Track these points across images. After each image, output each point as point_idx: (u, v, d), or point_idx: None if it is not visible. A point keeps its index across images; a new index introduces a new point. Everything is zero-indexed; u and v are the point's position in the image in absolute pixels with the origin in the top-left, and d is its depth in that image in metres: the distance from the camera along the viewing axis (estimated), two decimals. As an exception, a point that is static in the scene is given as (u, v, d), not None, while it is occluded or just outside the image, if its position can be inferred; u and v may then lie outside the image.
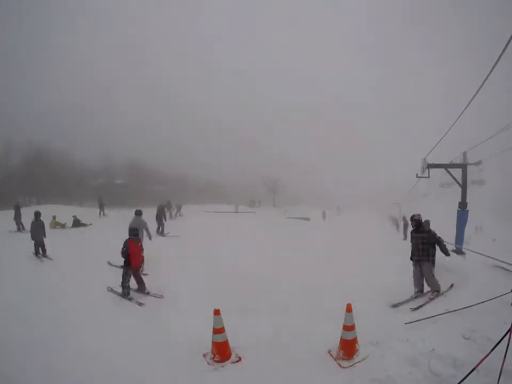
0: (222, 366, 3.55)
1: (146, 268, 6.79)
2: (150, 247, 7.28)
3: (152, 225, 10.77)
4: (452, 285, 5.50)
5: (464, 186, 9.90)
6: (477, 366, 2.73)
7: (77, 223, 14.63)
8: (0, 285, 5.89)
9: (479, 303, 4.26)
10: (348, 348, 3.57)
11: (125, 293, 5.65)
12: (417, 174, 10.62)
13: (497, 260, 6.88)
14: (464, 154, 10.21)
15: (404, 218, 16.55)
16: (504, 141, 8.76)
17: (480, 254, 7.96)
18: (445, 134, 9.05)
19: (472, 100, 7.02)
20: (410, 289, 5.48)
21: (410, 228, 6.03)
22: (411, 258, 5.54)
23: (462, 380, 2.72)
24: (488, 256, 7.25)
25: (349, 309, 3.63)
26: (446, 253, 5.42)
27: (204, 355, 3.71)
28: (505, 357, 2.65)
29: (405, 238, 15.48)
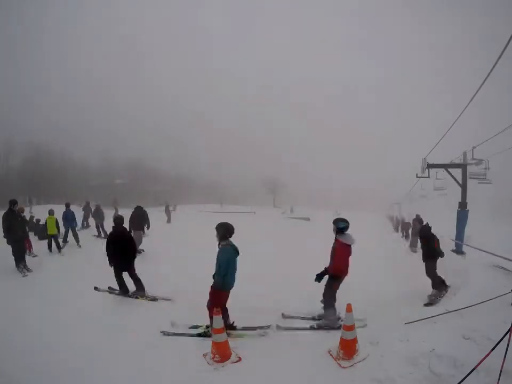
0: (222, 366, 3.54)
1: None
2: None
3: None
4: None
5: (464, 186, 9.90)
6: (477, 366, 2.73)
7: None
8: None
9: (479, 303, 4.26)
10: (347, 348, 3.57)
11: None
12: (417, 174, 10.61)
13: (498, 256, 6.87)
14: (464, 154, 10.19)
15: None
16: (504, 141, 8.77)
17: (480, 250, 7.95)
18: (445, 133, 9.05)
19: (472, 100, 7.03)
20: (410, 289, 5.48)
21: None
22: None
23: (462, 380, 2.71)
24: (487, 252, 7.25)
25: (348, 309, 3.63)
26: None
27: (204, 355, 3.71)
28: (505, 357, 2.65)
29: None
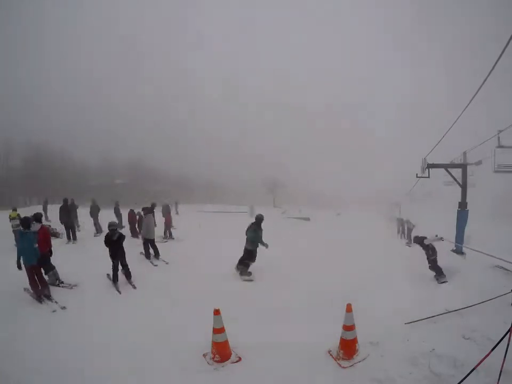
0: (222, 366, 3.54)
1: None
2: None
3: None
4: None
5: (464, 186, 9.90)
6: (477, 366, 2.73)
7: None
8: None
9: (479, 303, 4.27)
10: (348, 348, 3.57)
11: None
12: (417, 174, 10.59)
13: (497, 258, 6.88)
14: (464, 154, 10.19)
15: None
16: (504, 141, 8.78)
17: (480, 252, 7.95)
18: (445, 133, 9.03)
19: (472, 99, 7.02)
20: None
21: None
22: None
23: (462, 380, 2.71)
24: (488, 254, 7.24)
25: (348, 309, 3.63)
26: None
27: (204, 355, 3.71)
28: (505, 357, 2.65)
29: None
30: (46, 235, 6.02)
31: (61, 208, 10.37)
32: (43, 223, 6.44)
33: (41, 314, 4.84)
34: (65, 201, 10.67)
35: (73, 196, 13.69)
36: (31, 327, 4.41)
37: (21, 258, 5.20)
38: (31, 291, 5.34)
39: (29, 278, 5.25)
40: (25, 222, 5.47)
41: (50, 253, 5.97)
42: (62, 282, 6.03)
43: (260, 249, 7.08)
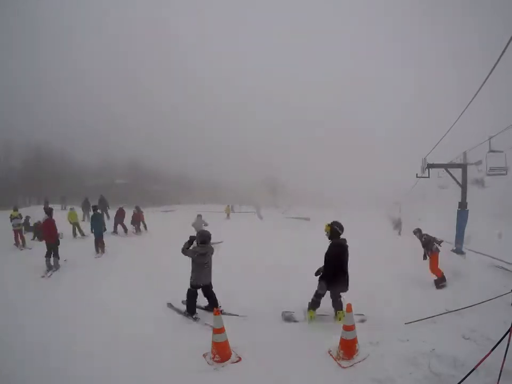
0: (222, 366, 3.54)
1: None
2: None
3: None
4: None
5: (464, 186, 9.90)
6: (477, 366, 2.73)
7: None
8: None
9: (479, 303, 4.27)
10: (348, 348, 3.57)
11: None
12: (417, 174, 10.59)
13: (497, 259, 6.90)
14: (464, 154, 10.20)
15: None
16: (505, 141, 8.79)
17: (481, 253, 7.97)
18: (445, 133, 9.05)
19: (473, 99, 7.03)
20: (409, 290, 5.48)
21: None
22: None
23: (462, 380, 2.71)
24: (486, 255, 7.27)
25: (349, 309, 3.63)
26: None
27: (204, 355, 3.71)
28: (505, 357, 2.65)
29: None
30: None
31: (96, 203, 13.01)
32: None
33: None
34: (102, 198, 14.32)
35: (74, 196, 15.04)
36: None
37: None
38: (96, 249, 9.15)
39: (95, 242, 9.21)
40: (95, 207, 9.98)
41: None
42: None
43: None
